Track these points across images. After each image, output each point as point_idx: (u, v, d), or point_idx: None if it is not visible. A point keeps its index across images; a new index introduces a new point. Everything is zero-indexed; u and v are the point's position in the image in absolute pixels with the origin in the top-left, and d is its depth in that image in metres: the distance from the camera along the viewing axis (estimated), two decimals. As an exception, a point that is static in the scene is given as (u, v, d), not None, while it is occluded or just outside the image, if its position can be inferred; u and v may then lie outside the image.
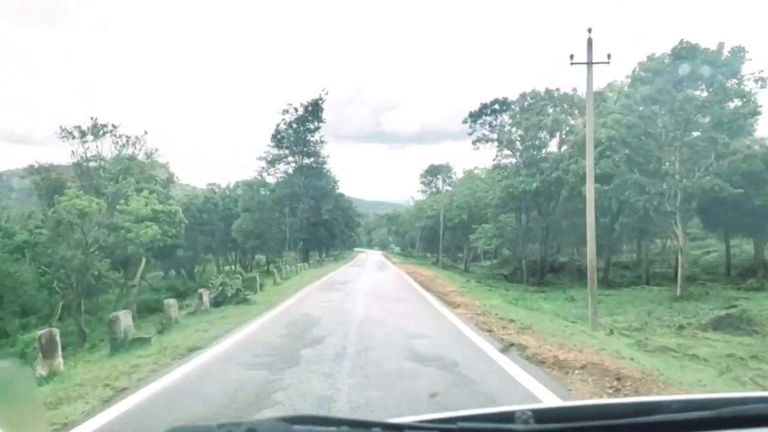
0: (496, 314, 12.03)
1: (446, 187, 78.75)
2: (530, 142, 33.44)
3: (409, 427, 1.05)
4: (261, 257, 69.34)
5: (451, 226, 52.12)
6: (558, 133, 32.84)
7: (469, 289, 20.17)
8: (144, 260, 45.56)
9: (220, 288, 14.63)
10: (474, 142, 38.92)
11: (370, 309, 12.97)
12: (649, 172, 23.88)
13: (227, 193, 65.02)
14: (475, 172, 55.51)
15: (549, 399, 5.21)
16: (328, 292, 18.12)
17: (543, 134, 32.84)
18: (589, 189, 16.52)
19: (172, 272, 71.74)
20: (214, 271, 70.24)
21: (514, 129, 35.15)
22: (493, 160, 38.14)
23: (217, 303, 14.39)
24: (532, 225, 34.90)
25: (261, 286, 20.69)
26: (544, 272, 37.75)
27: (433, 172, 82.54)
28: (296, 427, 0.95)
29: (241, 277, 15.77)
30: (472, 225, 45.51)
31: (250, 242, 56.91)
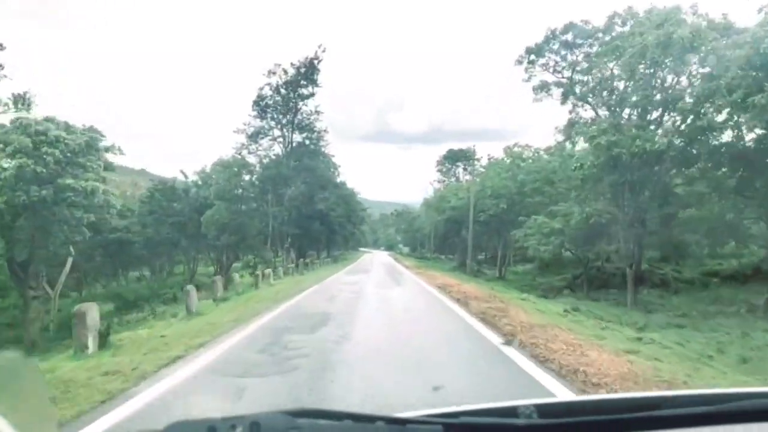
0: None
1: (466, 177, 66.17)
2: (647, 73, 20.57)
3: (412, 421, 1.02)
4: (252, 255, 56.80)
5: (483, 220, 39.59)
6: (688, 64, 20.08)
7: (642, 350, 7.63)
8: (70, 260, 33.70)
9: None
10: (536, 90, 26.49)
11: None
12: None
13: (201, 179, 52.78)
14: (515, 149, 42.89)
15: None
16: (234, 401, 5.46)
17: (665, 65, 19.88)
18: None
19: (140, 273, 59.74)
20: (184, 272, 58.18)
21: (605, 62, 22.48)
22: (570, 112, 25.87)
23: None
24: (635, 208, 21.66)
25: (102, 337, 8.33)
26: (637, 286, 25.10)
27: (452, 158, 69.76)
28: (300, 420, 0.93)
29: None
30: (519, 217, 33.29)
31: (224, 238, 44.39)
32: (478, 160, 55.31)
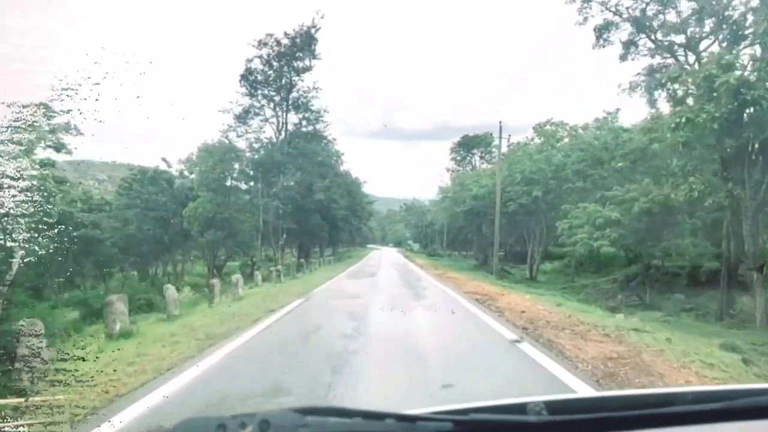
0: None
1: (483, 165, 59.79)
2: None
3: (422, 418, 1.02)
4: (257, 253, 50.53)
5: (513, 210, 33.29)
6: None
7: None
8: (16, 261, 27.76)
9: None
10: (597, 33, 20.08)
11: None
12: None
13: (187, 168, 46.73)
14: (547, 128, 36.43)
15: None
16: None
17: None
18: None
19: (124, 274, 53.89)
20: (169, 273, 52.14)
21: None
22: (653, 57, 19.54)
23: None
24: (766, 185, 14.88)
25: None
26: (732, 292, 18.75)
27: (467, 145, 63.22)
28: (309, 418, 0.93)
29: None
30: (563, 205, 27.14)
31: (209, 234, 38.27)
32: (508, 138, 48.87)
